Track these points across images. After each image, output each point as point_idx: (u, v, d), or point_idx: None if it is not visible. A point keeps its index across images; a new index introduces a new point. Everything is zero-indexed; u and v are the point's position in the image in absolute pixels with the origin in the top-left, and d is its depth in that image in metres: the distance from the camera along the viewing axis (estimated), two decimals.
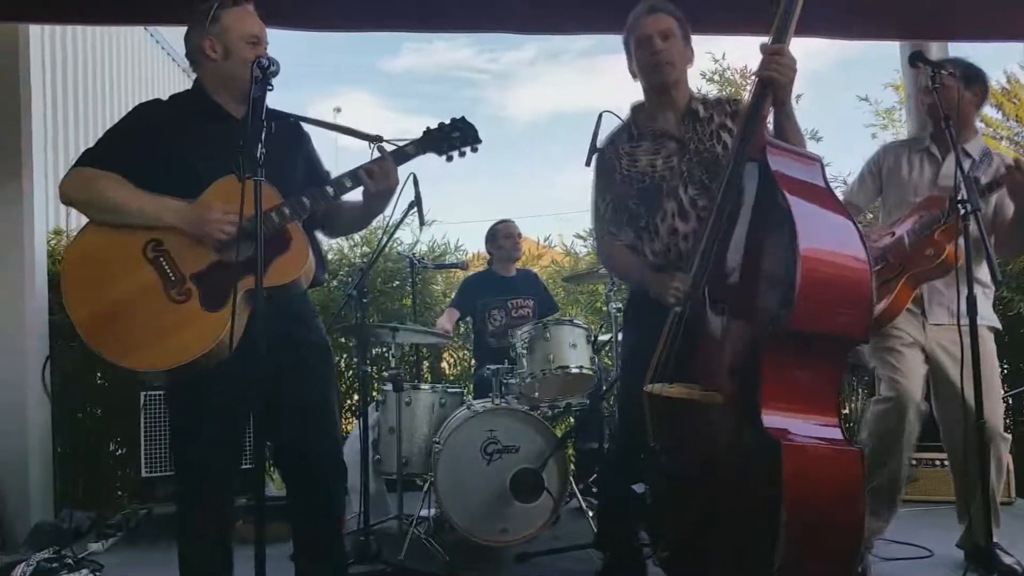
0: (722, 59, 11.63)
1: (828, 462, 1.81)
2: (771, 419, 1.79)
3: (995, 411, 2.76)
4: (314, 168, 2.41)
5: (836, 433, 1.84)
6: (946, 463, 3.24)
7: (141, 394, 4.00)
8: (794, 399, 1.83)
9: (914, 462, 3.46)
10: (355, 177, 2.25)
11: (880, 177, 3.00)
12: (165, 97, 2.35)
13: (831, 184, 2.07)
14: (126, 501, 4.35)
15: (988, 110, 17.02)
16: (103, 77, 7.05)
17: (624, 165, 2.43)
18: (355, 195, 2.31)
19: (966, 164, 2.81)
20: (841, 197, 2.33)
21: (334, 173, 2.36)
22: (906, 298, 2.77)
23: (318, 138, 2.50)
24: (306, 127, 2.43)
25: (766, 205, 1.93)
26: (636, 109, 2.50)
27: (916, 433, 2.77)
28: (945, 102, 2.53)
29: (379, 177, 2.24)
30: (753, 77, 2.13)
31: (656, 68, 2.36)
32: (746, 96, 2.25)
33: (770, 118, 2.18)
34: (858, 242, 1.87)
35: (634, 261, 2.43)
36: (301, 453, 2.32)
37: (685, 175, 2.36)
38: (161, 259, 2.12)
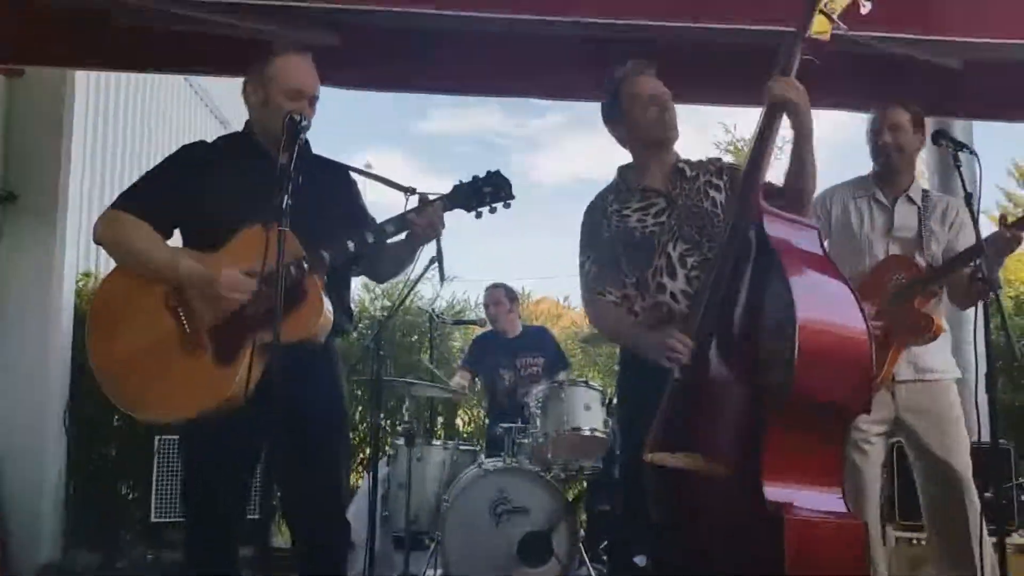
0: (734, 129, 11.87)
1: (831, 535, 1.78)
2: (773, 491, 1.76)
3: (965, 462, 2.74)
4: (360, 216, 2.36)
5: (839, 505, 1.82)
6: None
7: (156, 438, 4.01)
8: (796, 470, 1.80)
9: (923, 541, 3.33)
10: (401, 222, 2.21)
11: (828, 224, 2.91)
12: None
13: None
14: (133, 544, 4.32)
15: (1014, 187, 16.97)
16: (141, 125, 7.25)
17: (614, 222, 2.40)
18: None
19: (912, 210, 2.84)
20: None
21: None
22: (895, 362, 2.75)
23: None
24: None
25: (763, 273, 1.93)
26: (624, 169, 2.50)
27: (876, 515, 2.80)
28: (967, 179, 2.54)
29: (423, 223, 2.20)
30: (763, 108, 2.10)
31: (664, 124, 2.36)
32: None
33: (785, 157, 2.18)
34: (857, 312, 1.85)
35: (625, 319, 2.35)
36: (302, 512, 2.30)
37: (675, 231, 2.34)
38: (180, 309, 2.13)
